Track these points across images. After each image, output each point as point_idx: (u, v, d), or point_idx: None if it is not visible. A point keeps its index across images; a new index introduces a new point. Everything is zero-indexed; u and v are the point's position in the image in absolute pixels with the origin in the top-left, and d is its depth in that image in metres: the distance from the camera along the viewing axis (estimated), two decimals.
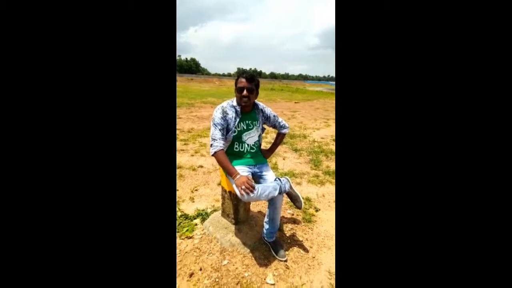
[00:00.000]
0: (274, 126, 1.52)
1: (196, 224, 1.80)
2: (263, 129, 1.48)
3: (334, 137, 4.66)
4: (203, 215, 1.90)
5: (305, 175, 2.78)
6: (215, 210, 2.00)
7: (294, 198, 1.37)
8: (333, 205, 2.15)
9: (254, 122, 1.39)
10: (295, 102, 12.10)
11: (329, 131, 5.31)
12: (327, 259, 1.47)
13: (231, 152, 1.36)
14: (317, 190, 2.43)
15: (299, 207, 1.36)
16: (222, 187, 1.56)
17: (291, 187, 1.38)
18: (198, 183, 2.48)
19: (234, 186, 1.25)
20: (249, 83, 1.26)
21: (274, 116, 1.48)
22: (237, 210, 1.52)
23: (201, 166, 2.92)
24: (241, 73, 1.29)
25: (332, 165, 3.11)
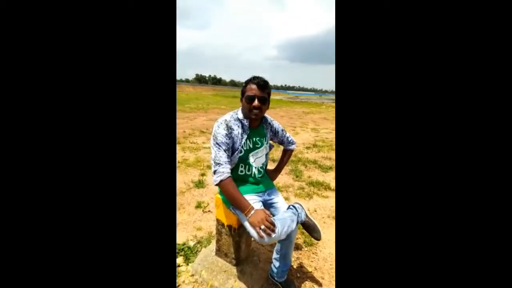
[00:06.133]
0: (281, 142, 1.28)
1: (179, 266, 1.40)
2: (271, 146, 1.23)
3: (306, 145, 4.70)
4: (185, 252, 1.51)
5: (290, 188, 2.62)
6: (199, 243, 1.63)
7: (311, 229, 1.15)
8: (328, 221, 2.03)
9: (262, 139, 1.13)
10: None
11: (300, 138, 5.36)
12: None
13: (235, 177, 1.06)
14: (307, 204, 2.28)
15: (317, 238, 1.14)
16: (218, 220, 1.24)
17: (306, 215, 1.15)
18: None
19: (247, 225, 0.96)
20: (261, 91, 1.00)
21: (282, 130, 1.24)
22: (238, 247, 1.22)
23: None
24: (251, 78, 1.02)
25: (313, 175, 3.04)
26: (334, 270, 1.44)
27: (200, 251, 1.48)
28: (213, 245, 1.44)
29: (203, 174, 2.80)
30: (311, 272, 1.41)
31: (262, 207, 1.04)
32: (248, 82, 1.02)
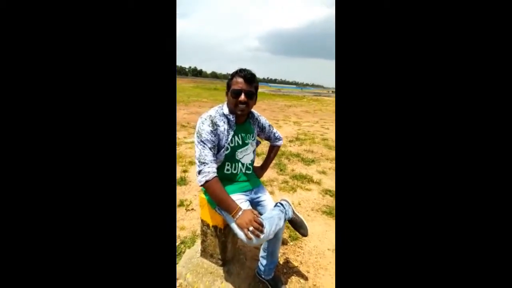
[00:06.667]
0: (268, 138, 1.24)
1: None
2: (258, 143, 1.18)
3: (288, 138, 4.73)
4: None
5: (274, 182, 2.62)
6: (183, 243, 1.57)
7: (298, 225, 1.14)
8: (312, 213, 2.06)
9: (249, 136, 1.08)
10: None
11: (283, 132, 5.37)
12: (328, 283, 1.33)
13: (221, 176, 1.00)
14: (291, 198, 2.30)
15: (304, 235, 1.14)
16: (203, 221, 1.18)
17: (293, 211, 1.14)
18: None
19: (234, 226, 0.92)
20: (248, 84, 0.94)
21: (269, 126, 1.20)
22: (225, 247, 1.18)
23: None
24: (238, 71, 0.95)
25: (296, 168, 3.07)
26: (318, 263, 1.47)
27: (184, 252, 1.42)
28: (197, 246, 1.38)
29: (185, 171, 2.69)
30: (297, 266, 1.42)
31: (250, 207, 1.01)
32: (234, 74, 0.95)
